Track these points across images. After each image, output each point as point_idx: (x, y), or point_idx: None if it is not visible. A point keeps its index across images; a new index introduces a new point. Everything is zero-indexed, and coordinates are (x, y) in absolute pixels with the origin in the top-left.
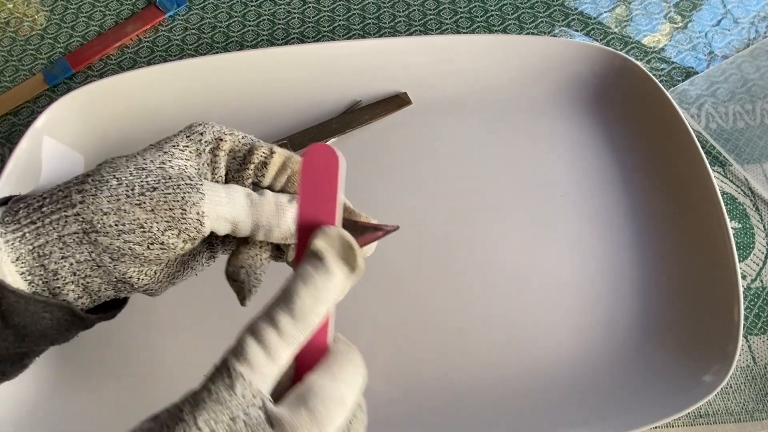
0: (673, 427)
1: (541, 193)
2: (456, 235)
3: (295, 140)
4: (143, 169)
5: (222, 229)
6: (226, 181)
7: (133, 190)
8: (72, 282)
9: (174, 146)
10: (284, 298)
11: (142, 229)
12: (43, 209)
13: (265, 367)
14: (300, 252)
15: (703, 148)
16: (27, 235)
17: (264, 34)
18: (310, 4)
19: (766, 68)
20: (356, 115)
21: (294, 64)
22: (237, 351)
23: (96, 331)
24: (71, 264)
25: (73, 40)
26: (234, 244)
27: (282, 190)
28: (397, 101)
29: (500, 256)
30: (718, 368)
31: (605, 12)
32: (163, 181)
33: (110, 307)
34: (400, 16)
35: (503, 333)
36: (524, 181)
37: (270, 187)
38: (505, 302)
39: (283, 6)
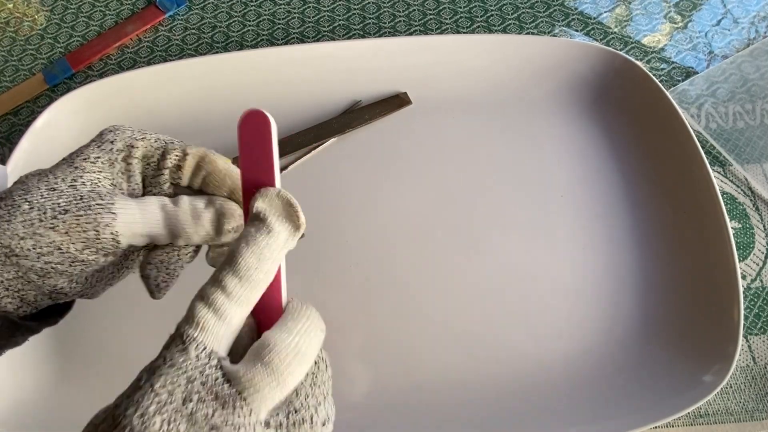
0: (673, 427)
1: (541, 193)
2: (456, 235)
3: (295, 140)
4: (54, 189)
5: (140, 243)
6: (144, 187)
7: (45, 213)
8: (7, 296)
9: (85, 159)
10: (228, 261)
11: (59, 251)
12: None
13: (217, 328)
14: (247, 210)
15: (703, 148)
16: None
17: (264, 34)
18: (310, 4)
19: (766, 68)
20: (356, 115)
21: (294, 64)
22: (188, 317)
23: (95, 330)
24: (1, 282)
25: (73, 40)
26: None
27: (200, 189)
28: (397, 101)
29: (500, 256)
30: (718, 368)
31: (605, 12)
32: (75, 202)
33: (55, 312)
34: (400, 16)
35: (503, 333)
36: (524, 181)
37: (189, 186)
38: (504, 302)
39: (283, 6)
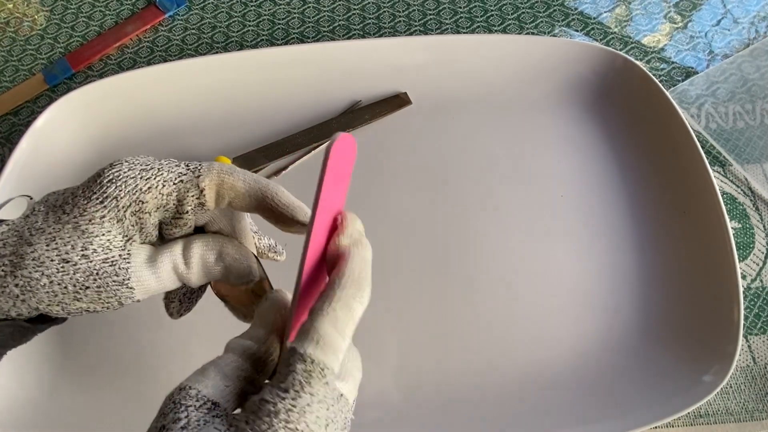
0: (673, 427)
1: (541, 193)
2: (456, 235)
3: (295, 140)
4: (68, 261)
5: (157, 292)
6: (161, 231)
7: (66, 288)
8: (21, 315)
9: (91, 221)
10: (357, 288)
11: (87, 311)
12: None
13: (343, 350)
14: (324, 231)
15: (703, 148)
16: None
17: (264, 34)
18: (310, 4)
19: (766, 68)
20: (356, 115)
21: (294, 64)
22: (319, 343)
23: (96, 330)
24: (27, 308)
25: (73, 40)
26: None
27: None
28: (397, 101)
29: (500, 255)
30: (718, 368)
31: (605, 12)
32: (92, 278)
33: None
34: (400, 16)
35: (503, 333)
36: (524, 181)
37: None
38: (504, 302)
39: (283, 6)
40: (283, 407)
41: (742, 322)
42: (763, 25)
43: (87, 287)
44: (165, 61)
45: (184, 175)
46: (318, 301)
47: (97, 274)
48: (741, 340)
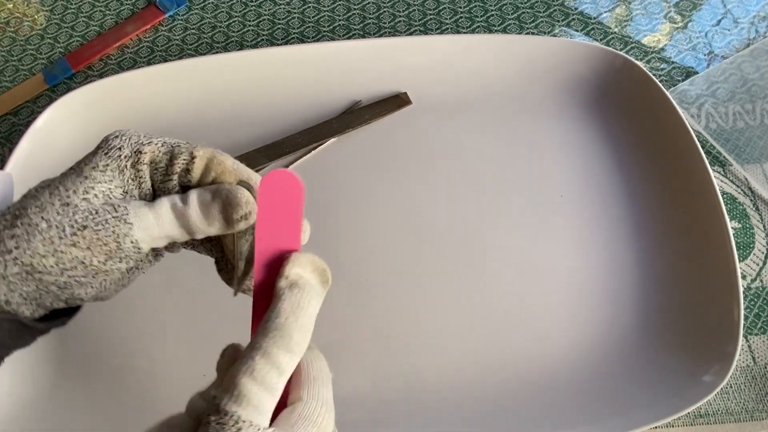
0: (673, 427)
1: (541, 193)
2: (456, 235)
3: (295, 140)
4: (68, 204)
5: (161, 244)
6: (153, 191)
7: (64, 231)
8: (24, 304)
9: (94, 168)
10: (280, 337)
11: (83, 265)
12: None
13: (269, 407)
14: (263, 277)
15: (703, 148)
16: None
17: (264, 34)
18: (310, 4)
19: (766, 68)
20: (356, 115)
21: (294, 64)
22: (238, 398)
23: (95, 331)
24: (20, 294)
25: (73, 40)
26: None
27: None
28: (397, 101)
29: (500, 255)
30: (718, 368)
31: (605, 12)
32: (91, 217)
33: (63, 313)
34: (400, 16)
35: (503, 333)
36: (524, 181)
37: (199, 185)
38: (504, 302)
39: (283, 6)
40: None
41: (742, 322)
42: (763, 25)
43: (85, 227)
44: (165, 61)
45: (182, 143)
46: (246, 349)
47: (96, 212)
48: (741, 340)
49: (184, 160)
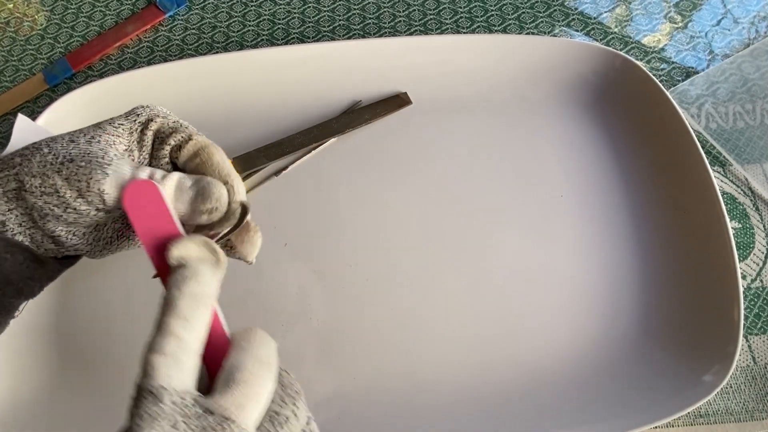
0: (673, 427)
1: (541, 193)
2: (456, 235)
3: (295, 140)
4: (73, 141)
5: None
6: (151, 158)
7: (57, 158)
8: (20, 233)
9: (110, 123)
10: (167, 309)
11: (57, 194)
12: None
13: (179, 371)
14: (163, 271)
15: (703, 148)
16: None
17: (264, 34)
18: (310, 4)
19: (766, 68)
20: (356, 115)
21: (294, 64)
22: (147, 372)
23: (95, 331)
24: (16, 216)
25: (73, 40)
26: None
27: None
28: (397, 101)
29: (500, 255)
30: (718, 368)
31: (605, 12)
32: (81, 155)
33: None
34: (400, 16)
35: (503, 333)
36: (524, 181)
37: (184, 169)
38: (504, 302)
39: (283, 6)
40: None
41: (742, 322)
42: (763, 25)
43: (72, 160)
44: (165, 61)
45: (190, 126)
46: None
47: (88, 153)
48: (741, 340)
49: (182, 137)
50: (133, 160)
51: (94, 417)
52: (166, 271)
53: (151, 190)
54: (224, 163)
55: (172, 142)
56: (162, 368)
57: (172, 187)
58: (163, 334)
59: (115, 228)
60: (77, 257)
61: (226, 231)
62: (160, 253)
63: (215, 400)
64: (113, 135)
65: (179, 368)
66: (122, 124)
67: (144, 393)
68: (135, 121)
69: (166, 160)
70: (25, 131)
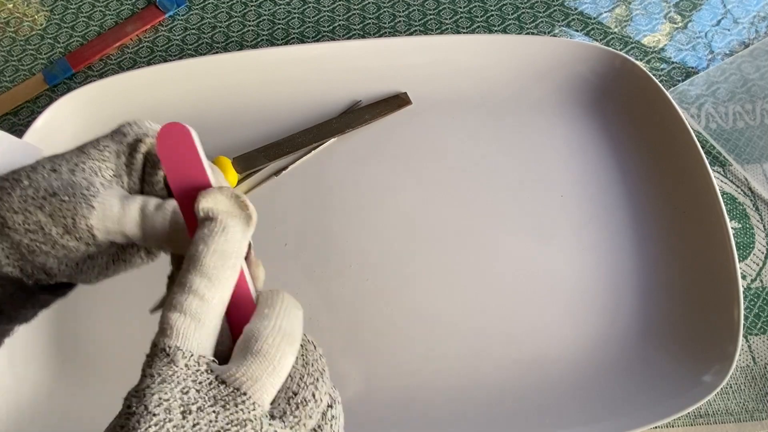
0: (673, 427)
1: (541, 193)
2: (456, 235)
3: (296, 140)
4: (55, 171)
5: (118, 240)
6: (142, 182)
7: (38, 192)
8: (8, 264)
9: (94, 146)
10: (192, 265)
11: (42, 231)
12: None
13: (198, 332)
14: (191, 222)
15: (703, 148)
16: None
17: (264, 34)
18: (310, 4)
19: (766, 68)
20: (356, 115)
21: (294, 64)
22: (164, 330)
23: (96, 331)
24: (3, 249)
25: (73, 40)
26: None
27: None
28: (397, 101)
29: (500, 255)
30: (718, 368)
31: (605, 12)
32: (64, 187)
33: (64, 285)
34: (400, 16)
35: (503, 333)
36: (524, 181)
37: None
38: (504, 302)
39: (283, 6)
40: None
41: (742, 322)
42: (763, 25)
43: (55, 194)
44: (165, 61)
45: None
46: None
47: (72, 185)
48: (741, 340)
49: None
50: (122, 186)
51: (94, 417)
52: (193, 222)
53: (185, 134)
54: (219, 182)
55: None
56: (181, 328)
57: (167, 218)
58: (185, 292)
59: (110, 253)
60: (72, 287)
61: None
62: (189, 203)
63: (229, 370)
64: (98, 160)
65: (199, 330)
66: (108, 146)
67: (159, 352)
68: (121, 142)
69: (161, 185)
70: (8, 149)
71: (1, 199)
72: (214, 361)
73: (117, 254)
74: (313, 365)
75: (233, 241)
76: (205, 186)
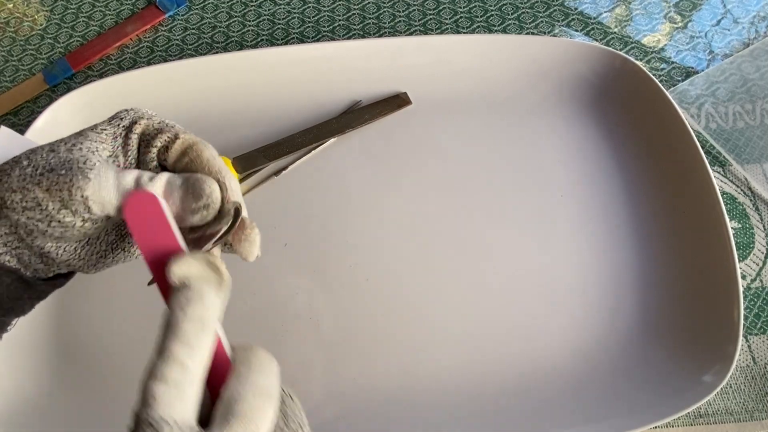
0: (673, 427)
1: (541, 193)
2: (456, 234)
3: (295, 140)
4: (53, 151)
5: (113, 214)
6: (138, 163)
7: (36, 170)
8: (6, 253)
9: (92, 129)
10: (171, 332)
11: (40, 207)
12: None
13: (181, 401)
14: (163, 286)
15: (703, 148)
16: None
17: (264, 34)
18: (310, 4)
19: (766, 68)
20: (356, 115)
21: (294, 64)
22: (147, 401)
23: (96, 331)
24: (1, 236)
25: (73, 40)
26: None
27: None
28: (397, 101)
29: (500, 255)
30: (718, 368)
31: (605, 12)
32: (61, 163)
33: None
34: (400, 16)
35: (503, 333)
36: (524, 181)
37: (173, 169)
38: (504, 302)
39: (283, 6)
40: None
41: (742, 322)
42: (763, 25)
43: (52, 170)
44: (165, 61)
45: (176, 125)
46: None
47: (68, 161)
48: (741, 340)
49: (168, 137)
50: (118, 166)
51: (94, 417)
52: (167, 286)
53: (152, 202)
54: (215, 159)
55: (159, 144)
56: (164, 398)
57: (161, 188)
58: (165, 360)
59: (108, 240)
60: (68, 277)
61: (222, 231)
62: (161, 268)
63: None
64: (96, 141)
65: (181, 398)
66: (105, 129)
67: (143, 425)
68: (118, 125)
69: (155, 163)
70: (9, 144)
71: (0, 180)
72: (200, 429)
73: (115, 242)
74: (292, 418)
75: (211, 306)
76: (176, 251)
